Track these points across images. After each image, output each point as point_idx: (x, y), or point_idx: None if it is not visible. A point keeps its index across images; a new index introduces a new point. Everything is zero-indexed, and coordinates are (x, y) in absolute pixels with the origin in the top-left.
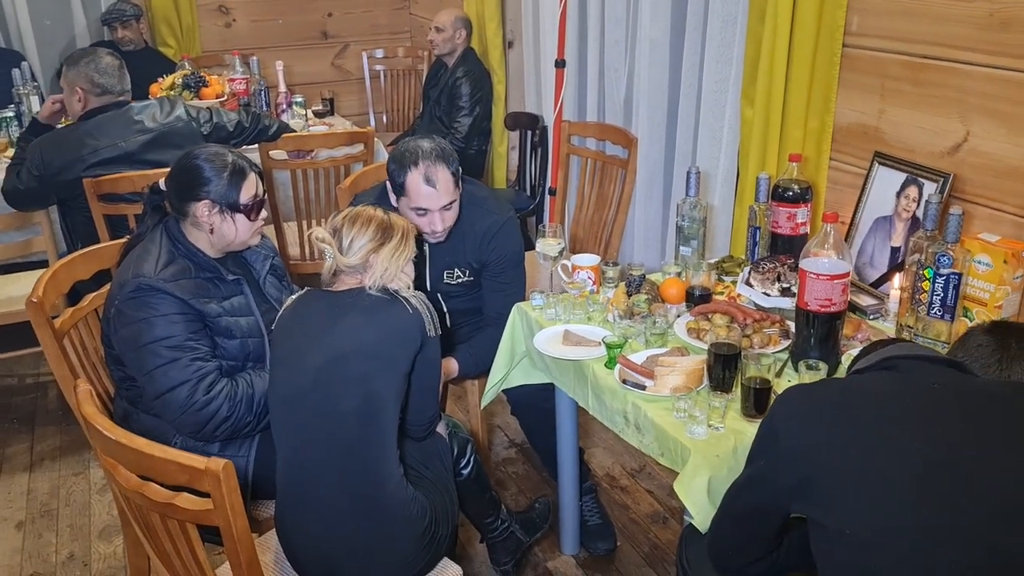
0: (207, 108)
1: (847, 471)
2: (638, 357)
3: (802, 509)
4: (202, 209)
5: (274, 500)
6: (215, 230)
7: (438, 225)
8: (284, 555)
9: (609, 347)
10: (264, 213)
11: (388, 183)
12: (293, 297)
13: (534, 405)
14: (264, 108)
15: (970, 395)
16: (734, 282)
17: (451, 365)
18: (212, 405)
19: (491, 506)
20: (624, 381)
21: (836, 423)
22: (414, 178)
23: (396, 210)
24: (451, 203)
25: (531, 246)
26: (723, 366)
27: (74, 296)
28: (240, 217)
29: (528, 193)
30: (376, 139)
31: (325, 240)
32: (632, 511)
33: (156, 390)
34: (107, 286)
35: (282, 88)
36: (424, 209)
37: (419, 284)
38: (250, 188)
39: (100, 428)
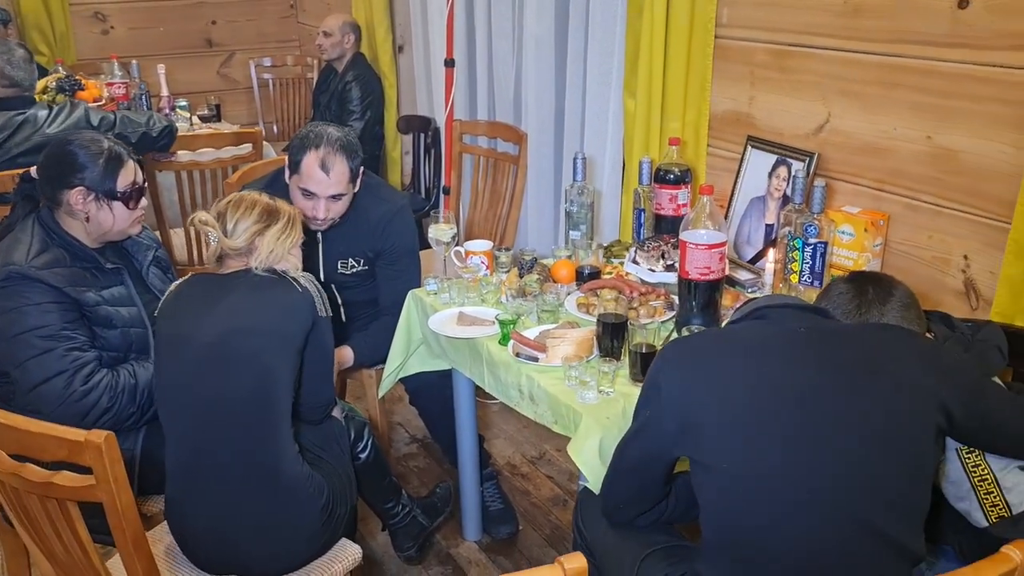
0: (114, 115)
1: (721, 411)
2: (531, 333)
3: (685, 451)
4: (76, 196)
5: (163, 495)
6: (91, 218)
7: (320, 212)
8: (176, 546)
9: (502, 324)
10: (144, 202)
11: (287, 159)
12: (177, 283)
13: (432, 393)
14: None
15: (831, 336)
16: (621, 262)
17: (346, 353)
18: (91, 396)
19: (391, 491)
20: (517, 355)
21: (710, 368)
22: (310, 159)
23: (285, 196)
24: (340, 195)
25: (426, 245)
26: (611, 335)
27: None
28: (118, 205)
29: (423, 196)
30: (266, 144)
31: (208, 223)
32: (533, 496)
33: (30, 382)
34: None
35: (164, 92)
36: (311, 193)
37: (313, 275)
38: (128, 175)
39: None
